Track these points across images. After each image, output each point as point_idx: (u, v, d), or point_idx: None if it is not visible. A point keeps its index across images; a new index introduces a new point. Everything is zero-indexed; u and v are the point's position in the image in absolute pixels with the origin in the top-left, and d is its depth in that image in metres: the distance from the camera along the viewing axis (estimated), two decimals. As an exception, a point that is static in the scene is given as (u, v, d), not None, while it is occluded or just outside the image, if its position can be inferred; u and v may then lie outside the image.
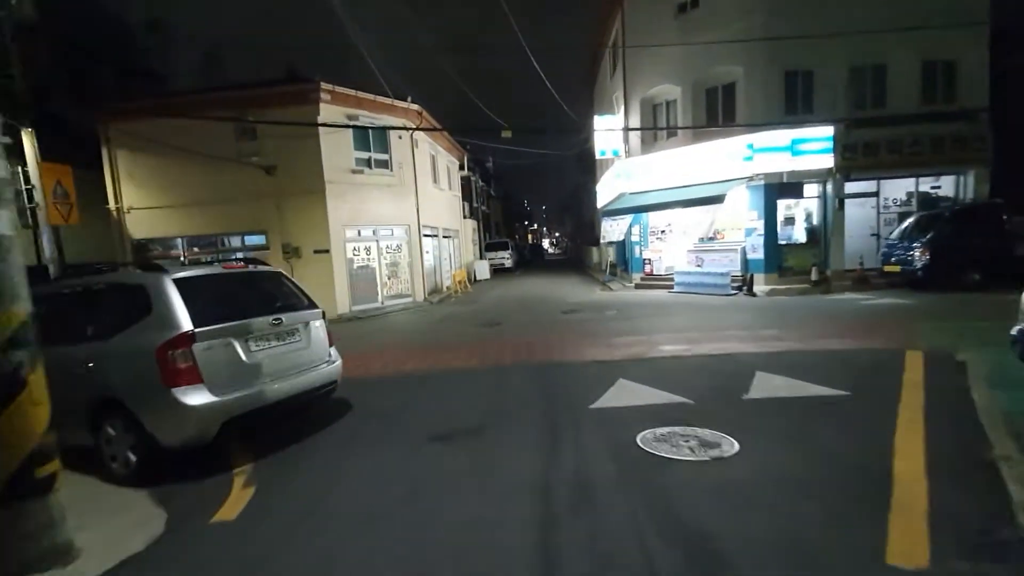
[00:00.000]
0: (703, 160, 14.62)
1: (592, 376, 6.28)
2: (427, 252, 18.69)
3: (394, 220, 16.54)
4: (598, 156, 17.26)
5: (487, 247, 29.69)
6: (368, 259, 15.99)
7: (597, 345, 8.14)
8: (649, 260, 16.34)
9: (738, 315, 10.54)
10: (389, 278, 16.72)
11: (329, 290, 14.81)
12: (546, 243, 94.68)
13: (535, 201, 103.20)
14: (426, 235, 18.61)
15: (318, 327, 5.29)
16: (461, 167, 25.09)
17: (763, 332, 8.38)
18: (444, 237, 21.50)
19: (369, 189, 15.67)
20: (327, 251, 14.79)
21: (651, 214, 16.51)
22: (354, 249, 15.64)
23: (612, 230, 16.73)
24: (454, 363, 7.55)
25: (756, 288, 13.55)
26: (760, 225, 13.96)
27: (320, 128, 14.32)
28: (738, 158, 13.89)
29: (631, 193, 16.48)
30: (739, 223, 14.62)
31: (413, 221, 17.05)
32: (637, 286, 16.41)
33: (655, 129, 16.01)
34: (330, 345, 5.41)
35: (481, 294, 18.99)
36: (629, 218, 16.43)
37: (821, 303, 11.52)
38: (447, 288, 19.42)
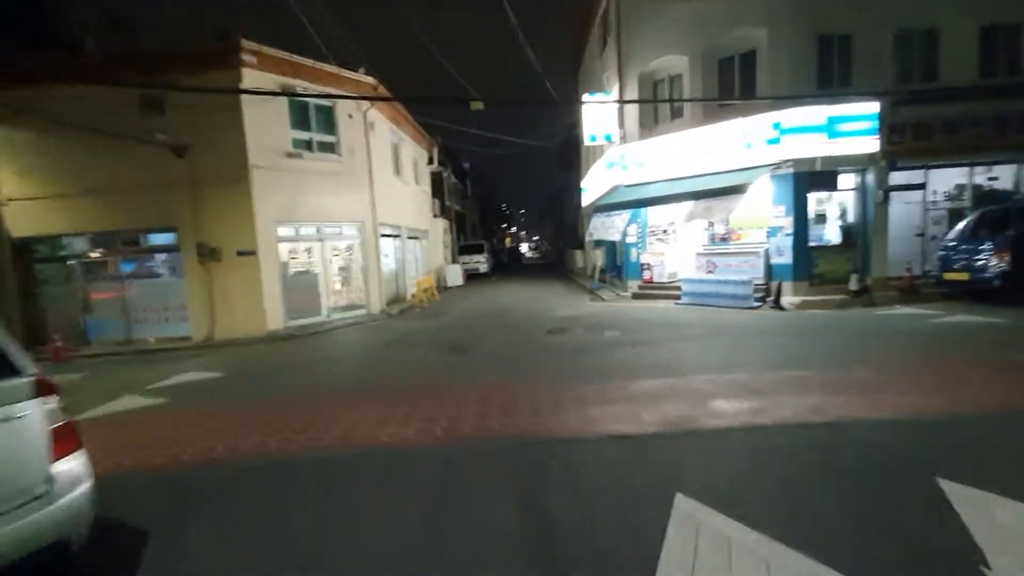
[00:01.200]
0: (716, 145, 12.12)
1: (617, 480, 3.52)
2: (386, 255, 15.80)
3: (343, 216, 13.63)
4: (587, 142, 14.68)
5: (461, 250, 26.91)
6: (309, 263, 13.04)
7: (607, 395, 5.41)
8: (649, 265, 13.76)
9: (780, 338, 7.98)
10: (339, 286, 13.79)
11: (256, 301, 11.85)
12: (524, 247, 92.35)
13: (513, 205, 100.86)
14: (385, 235, 15.73)
15: (22, 420, 2.40)
16: (431, 160, 22.27)
17: (844, 372, 5.78)
18: (409, 238, 18.64)
19: (310, 178, 12.74)
20: (253, 253, 11.81)
21: (651, 211, 13.96)
22: (290, 251, 12.68)
23: (604, 228, 14.10)
24: (378, 434, 4.68)
25: (784, 299, 11.07)
26: (788, 223, 11.49)
27: (244, 100, 11.38)
28: (761, 141, 11.43)
29: (627, 185, 13.90)
30: (760, 220, 12.14)
31: (367, 217, 14.16)
32: (635, 295, 13.81)
33: (660, 102, 13.45)
34: (66, 452, 2.52)
35: (451, 304, 16.15)
36: (625, 215, 13.82)
37: (880, 321, 9.05)
38: (411, 297, 16.56)
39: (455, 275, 22.33)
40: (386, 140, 16.32)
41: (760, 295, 11.37)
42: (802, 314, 10.42)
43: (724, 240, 12.81)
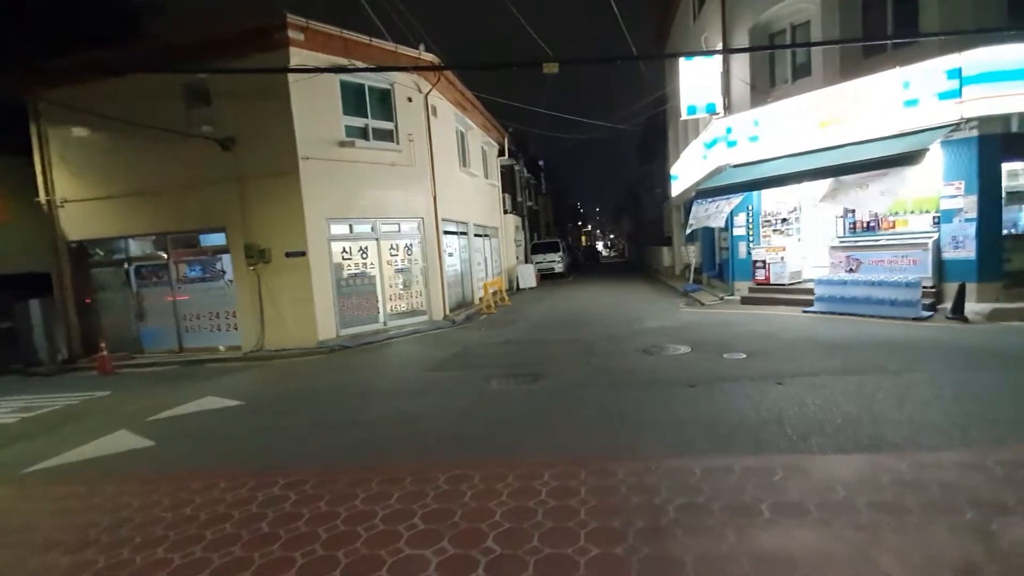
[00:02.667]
0: (861, 106, 9.35)
1: None
2: (450, 254, 14.28)
3: (401, 211, 12.21)
4: (683, 116, 12.27)
5: (534, 249, 25.08)
6: (365, 264, 11.72)
7: (777, 498, 3.28)
8: (763, 263, 11.13)
9: (1013, 372, 5.38)
10: (398, 290, 12.40)
11: (306, 308, 10.66)
12: (600, 245, 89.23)
13: (588, 203, 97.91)
14: (449, 232, 14.20)
15: None
16: (501, 152, 20.62)
17: None
18: (476, 236, 17.05)
19: (365, 169, 11.42)
20: (303, 253, 10.63)
21: (765, 196, 11.35)
22: (344, 251, 11.41)
23: (707, 216, 11.58)
24: None
25: (968, 308, 8.17)
26: (969, 204, 8.52)
27: (292, 85, 10.22)
28: (929, 95, 8.57)
29: (735, 165, 11.35)
30: (924, 202, 9.24)
31: (428, 213, 12.66)
32: (745, 300, 11.24)
33: (789, 47, 10.77)
34: None
35: (522, 310, 14.32)
36: (733, 201, 11.27)
37: None
38: (479, 301, 14.92)
39: (528, 276, 20.53)
40: (450, 128, 14.80)
41: (930, 301, 8.53)
42: (999, 329, 7.56)
43: (870, 229, 9.95)
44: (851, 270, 9.62)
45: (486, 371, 7.11)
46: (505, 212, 20.92)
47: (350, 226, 11.47)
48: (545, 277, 24.75)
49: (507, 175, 23.40)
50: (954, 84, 8.39)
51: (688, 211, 18.47)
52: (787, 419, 4.33)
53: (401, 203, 12.11)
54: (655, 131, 25.07)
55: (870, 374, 5.49)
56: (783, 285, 10.88)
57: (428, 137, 12.66)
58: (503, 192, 20.99)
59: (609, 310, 12.63)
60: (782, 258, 10.87)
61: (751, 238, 11.59)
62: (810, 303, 9.79)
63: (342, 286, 11.28)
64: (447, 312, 13.08)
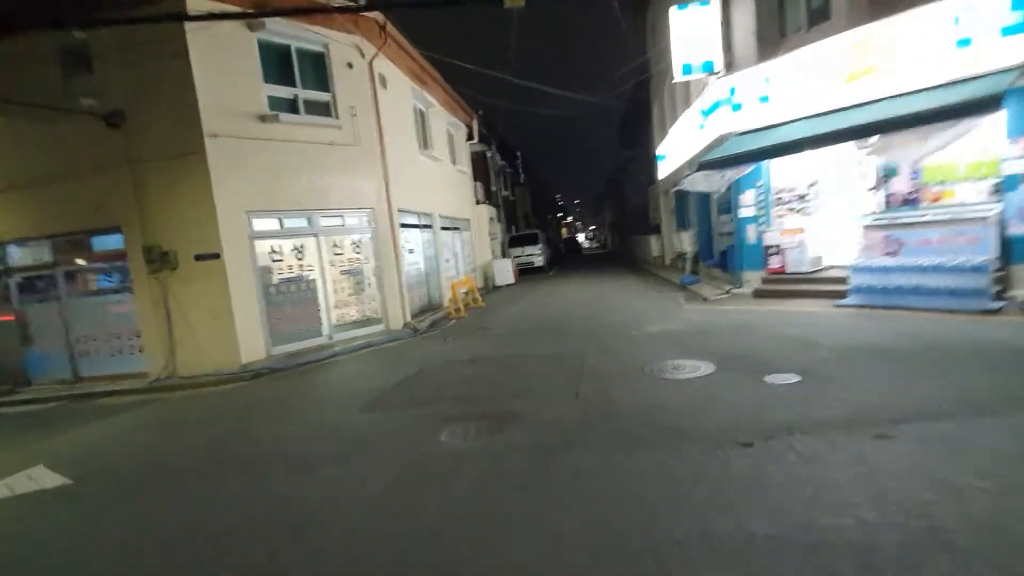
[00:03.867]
0: (898, 51, 7.60)
1: None
2: (411, 251, 12.26)
3: (346, 201, 10.15)
4: (676, 78, 10.38)
5: (511, 242, 23.14)
6: (301, 266, 9.65)
7: None
8: (778, 248, 9.37)
9: None
10: (345, 295, 10.35)
11: (225, 322, 8.59)
12: (581, 237, 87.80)
13: (567, 195, 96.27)
14: (408, 224, 12.19)
15: None
16: (470, 136, 18.56)
17: None
18: (445, 229, 15.04)
19: (296, 150, 9.34)
20: (217, 256, 8.53)
21: (777, 169, 9.57)
22: (272, 251, 9.32)
23: (710, 181, 9.69)
24: None
25: (1051, 296, 6.48)
26: (1043, 166, 6.84)
27: (193, 44, 8.10)
28: (988, 32, 6.85)
29: (740, 133, 9.54)
30: (979, 167, 7.54)
31: (380, 202, 10.61)
32: (758, 294, 9.47)
33: None
34: None
35: (497, 313, 12.39)
36: (742, 170, 9.44)
37: None
38: (448, 303, 12.90)
39: (504, 272, 18.58)
40: (406, 103, 12.74)
41: (998, 289, 6.82)
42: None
43: (911, 203, 8.21)
44: (891, 253, 7.87)
45: (438, 409, 5.16)
46: (477, 202, 18.91)
47: (279, 220, 9.38)
48: (524, 272, 22.86)
49: (479, 162, 21.37)
50: (1016, 16, 6.68)
51: (677, 195, 16.72)
52: (962, 544, 2.45)
53: (344, 191, 10.04)
54: (637, 112, 23.26)
55: (1014, 411, 3.68)
56: (803, 274, 9.12)
57: (375, 111, 10.59)
58: (475, 180, 18.97)
59: (597, 310, 10.76)
60: (800, 242, 9.10)
61: (761, 220, 9.81)
62: (841, 295, 8.04)
63: (272, 294, 9.20)
64: (408, 319, 11.08)
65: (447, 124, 16.32)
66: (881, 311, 7.28)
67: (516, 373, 6.31)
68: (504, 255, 21.19)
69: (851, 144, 7.93)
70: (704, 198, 13.36)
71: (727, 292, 10.36)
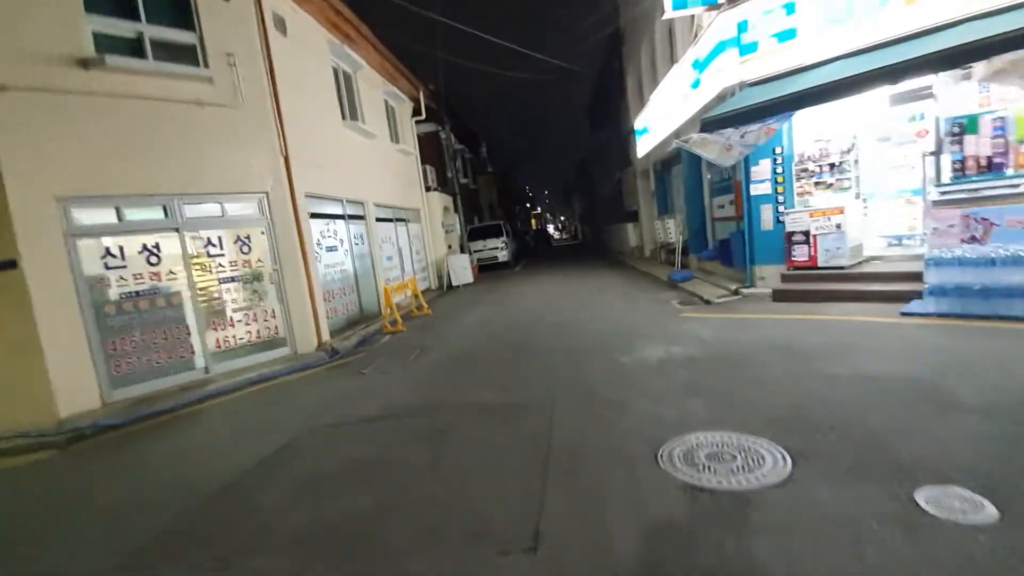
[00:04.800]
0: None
1: None
2: (330, 248, 9.58)
3: (225, 183, 7.41)
4: (668, 13, 7.96)
5: (471, 234, 20.50)
6: (157, 274, 6.89)
7: None
8: (806, 235, 7.09)
9: None
10: (236, 310, 7.64)
11: (28, 360, 5.82)
12: (551, 228, 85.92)
13: (536, 187, 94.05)
14: (325, 215, 9.51)
15: None
16: (417, 112, 15.80)
17: None
18: (384, 220, 12.38)
19: (143, 110, 6.58)
20: (13, 264, 5.75)
21: (799, 134, 7.27)
22: (110, 253, 6.54)
23: (719, 145, 7.21)
24: None
25: None
26: None
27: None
28: None
29: (755, 83, 7.20)
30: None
31: (277, 185, 7.89)
32: (780, 295, 7.19)
33: None
34: None
35: (444, 325, 9.85)
36: (772, 128, 7.05)
37: None
38: (390, 312, 10.21)
39: (462, 269, 15.97)
40: (320, 60, 9.99)
41: None
42: None
43: (994, 169, 5.99)
44: (972, 238, 5.66)
45: (268, 562, 2.63)
46: (428, 188, 16.22)
47: (117, 210, 6.59)
48: (486, 268, 20.33)
49: (430, 143, 18.68)
50: None
51: (660, 175, 14.40)
52: None
53: (222, 169, 7.31)
54: (608, 86, 20.91)
55: None
56: (841, 269, 6.88)
57: (266, 63, 7.84)
58: (424, 164, 16.27)
59: (572, 318, 8.33)
60: (838, 225, 6.83)
61: (780, 197, 7.51)
62: (902, 297, 5.82)
63: (109, 316, 6.44)
64: (324, 339, 8.42)
65: (384, 94, 13.57)
66: (979, 323, 5.05)
67: (437, 454, 3.79)
68: (463, 249, 18.61)
69: (894, 94, 5.66)
70: (694, 177, 11.07)
71: (734, 292, 8.06)
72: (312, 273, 8.34)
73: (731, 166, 8.93)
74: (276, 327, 7.97)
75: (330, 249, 9.52)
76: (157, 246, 6.87)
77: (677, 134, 11.02)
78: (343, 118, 10.62)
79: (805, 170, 7.43)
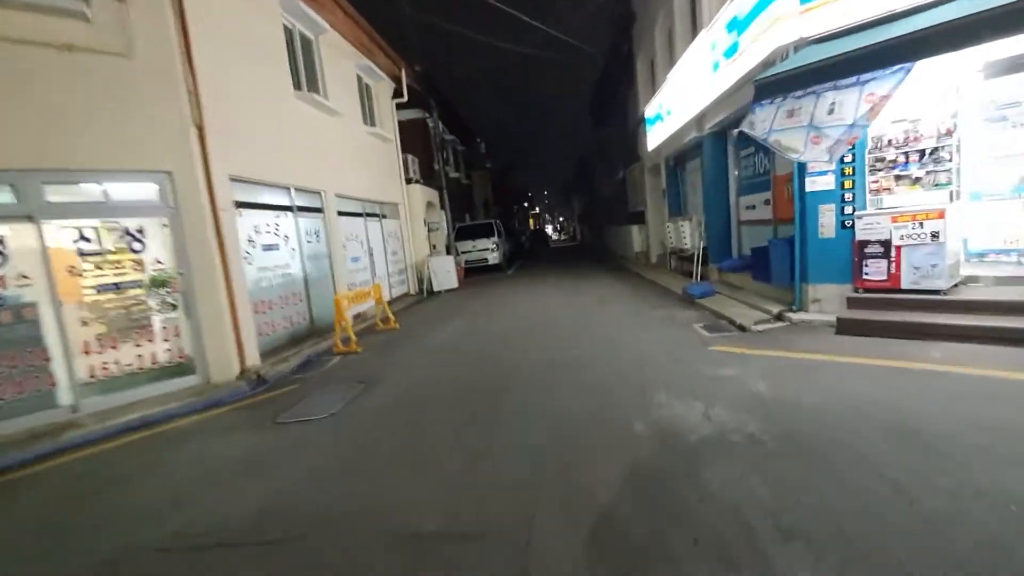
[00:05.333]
0: None
1: None
2: (268, 248, 7.69)
3: (108, 156, 5.53)
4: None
5: (459, 233, 18.62)
6: (0, 279, 5.03)
7: None
8: (886, 246, 5.25)
9: None
10: (122, 327, 5.77)
11: None
12: (549, 228, 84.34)
13: (536, 187, 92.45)
14: (263, 205, 7.63)
15: None
16: (398, 93, 13.91)
17: None
18: (350, 214, 10.52)
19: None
20: None
21: (885, 107, 5.39)
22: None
23: (800, 123, 5.23)
24: None
25: None
26: None
27: None
28: None
29: (825, 39, 5.32)
30: None
31: (187, 161, 6.01)
32: (848, 326, 5.34)
33: None
34: None
35: (409, 346, 7.99)
36: (885, 83, 5.13)
37: None
38: (342, 327, 8.31)
39: (445, 273, 14.10)
40: (265, 12, 8.11)
41: None
42: None
43: None
44: None
45: None
46: (410, 181, 14.36)
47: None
48: (476, 271, 18.47)
49: (416, 132, 16.84)
50: None
51: (673, 170, 12.59)
52: None
53: (100, 137, 5.44)
54: (613, 78, 19.08)
55: None
56: (936, 294, 5.04)
57: (175, 3, 5.97)
58: (406, 153, 14.41)
59: (567, 345, 6.48)
60: (934, 235, 4.99)
61: (848, 195, 5.68)
62: (1019, 335, 3.98)
63: (-86, 337, 4.57)
64: (250, 363, 6.56)
65: (357, 69, 11.69)
66: None
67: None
68: (449, 250, 16.77)
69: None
70: (716, 170, 9.26)
71: (777, 317, 6.24)
72: (234, 278, 6.47)
73: (772, 158, 7.12)
74: (181, 349, 6.11)
75: (269, 248, 7.65)
76: (2, 241, 5.00)
77: (699, 120, 9.19)
78: (296, 88, 8.75)
79: (882, 159, 5.60)
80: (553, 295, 11.37)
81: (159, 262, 5.93)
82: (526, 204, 69.06)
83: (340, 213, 9.96)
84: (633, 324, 7.41)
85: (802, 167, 5.77)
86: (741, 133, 5.89)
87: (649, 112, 12.35)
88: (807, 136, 4.76)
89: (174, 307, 6.04)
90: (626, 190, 20.24)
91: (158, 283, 5.93)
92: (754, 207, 8.47)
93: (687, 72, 9.12)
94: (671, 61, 11.02)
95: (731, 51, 6.95)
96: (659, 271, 13.17)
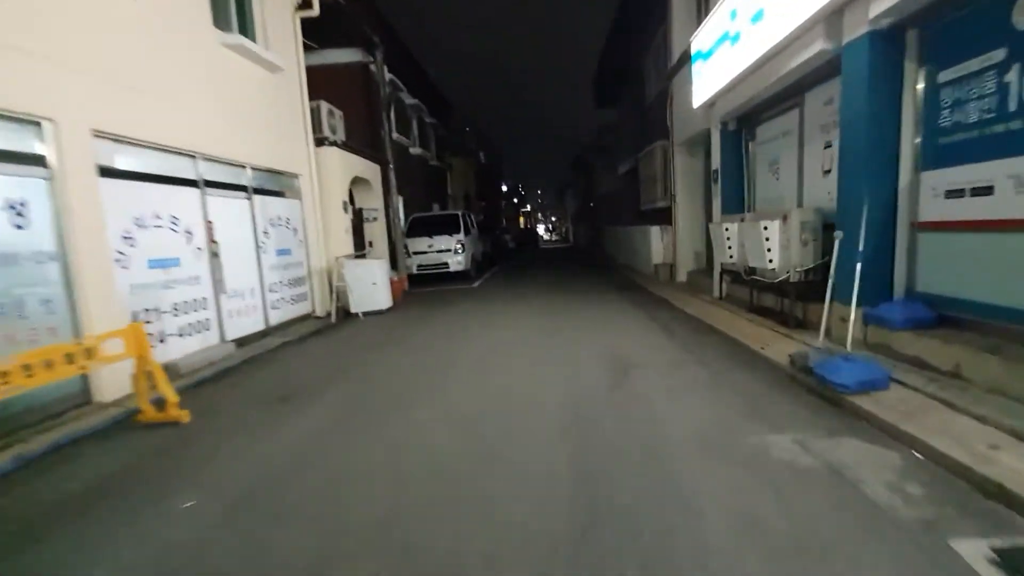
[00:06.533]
0: None
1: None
2: None
3: None
4: None
5: (411, 227, 13.58)
6: None
7: None
8: None
9: None
10: None
11: None
12: (540, 228, 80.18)
13: (529, 187, 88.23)
14: None
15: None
16: (306, 4, 8.97)
17: None
18: (153, 179, 5.63)
19: None
20: None
21: None
22: None
23: None
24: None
25: None
26: None
27: None
28: None
29: None
30: None
31: None
32: None
33: None
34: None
35: (162, 482, 3.05)
36: None
37: None
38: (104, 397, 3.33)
39: (367, 285, 9.16)
40: None
41: None
42: None
43: None
44: None
45: None
46: (322, 143, 9.45)
47: None
48: (433, 278, 13.58)
49: (353, 82, 11.97)
50: None
51: (734, 139, 7.91)
52: None
53: None
54: (628, 29, 14.32)
55: None
56: None
57: None
58: (320, 100, 9.52)
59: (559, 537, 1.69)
60: None
61: None
62: None
63: None
64: None
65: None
66: None
67: None
68: (394, 249, 11.90)
69: None
70: (880, 117, 4.51)
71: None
72: None
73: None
74: None
75: None
76: None
77: (838, 13, 4.45)
78: None
79: None
80: (533, 332, 6.56)
81: None
82: (516, 200, 64.43)
83: (125, 174, 5.07)
84: (721, 486, 2.60)
85: None
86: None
87: (703, 40, 7.59)
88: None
89: None
90: (637, 182, 15.48)
91: None
92: (963, 192, 3.78)
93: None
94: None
95: None
96: (699, 298, 8.41)
